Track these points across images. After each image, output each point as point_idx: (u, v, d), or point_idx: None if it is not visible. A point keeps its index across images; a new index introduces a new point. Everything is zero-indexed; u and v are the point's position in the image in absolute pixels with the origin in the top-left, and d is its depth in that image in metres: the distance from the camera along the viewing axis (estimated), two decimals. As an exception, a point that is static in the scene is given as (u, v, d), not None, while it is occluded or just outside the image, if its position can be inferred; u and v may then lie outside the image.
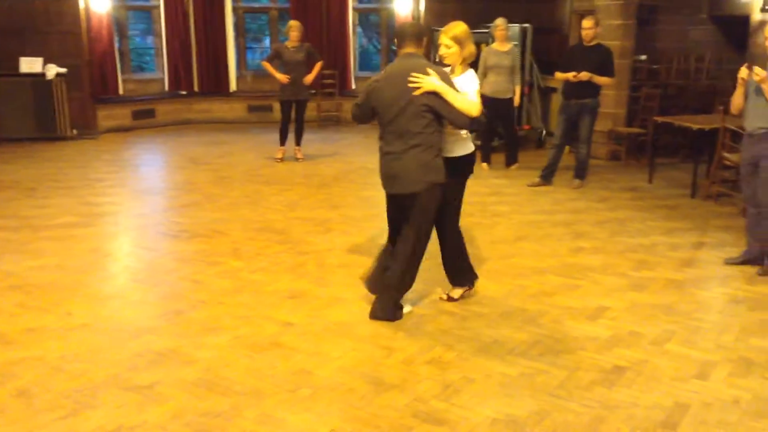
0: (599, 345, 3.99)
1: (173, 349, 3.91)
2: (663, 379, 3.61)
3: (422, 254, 4.32)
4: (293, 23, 8.74)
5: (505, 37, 8.41)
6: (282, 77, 8.63)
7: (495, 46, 8.43)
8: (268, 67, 8.77)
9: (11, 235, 6.00)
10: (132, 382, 3.56)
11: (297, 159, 9.17)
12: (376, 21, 13.88)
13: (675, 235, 6.08)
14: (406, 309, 4.47)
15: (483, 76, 8.40)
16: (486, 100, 8.44)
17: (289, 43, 8.70)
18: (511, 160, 8.79)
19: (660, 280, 5.03)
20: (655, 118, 8.04)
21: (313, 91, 11.60)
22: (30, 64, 10.22)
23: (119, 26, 11.59)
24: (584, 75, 7.26)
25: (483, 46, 8.54)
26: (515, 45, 8.76)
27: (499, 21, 8.42)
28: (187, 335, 4.10)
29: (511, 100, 8.51)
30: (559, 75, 7.62)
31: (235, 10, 12.28)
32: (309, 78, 8.76)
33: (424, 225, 4.20)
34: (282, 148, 9.15)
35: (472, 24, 10.07)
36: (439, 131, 4.08)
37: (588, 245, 5.79)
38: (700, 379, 3.62)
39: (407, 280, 4.34)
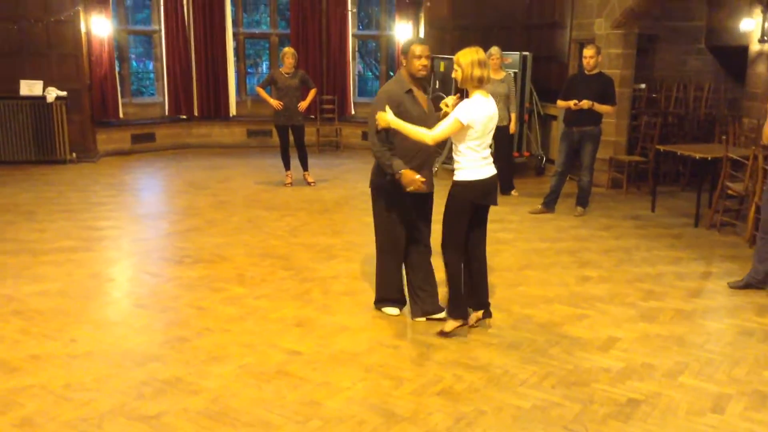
0: (612, 377, 3.94)
1: (179, 378, 3.84)
2: (679, 413, 3.56)
3: (385, 253, 4.72)
4: (288, 50, 8.83)
5: (498, 66, 8.48)
6: (275, 103, 8.70)
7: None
8: (262, 92, 8.89)
9: (10, 259, 5.93)
10: (138, 411, 3.49)
11: (309, 183, 9.18)
12: (373, 48, 13.97)
13: (681, 264, 6.06)
14: (391, 311, 4.81)
15: None
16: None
17: (283, 70, 8.78)
18: (507, 188, 8.79)
19: (669, 310, 4.99)
20: (657, 146, 8.07)
21: (312, 117, 11.64)
22: (30, 87, 10.21)
23: (120, 50, 11.61)
24: (585, 103, 7.29)
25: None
26: (510, 73, 8.82)
27: (494, 50, 8.48)
28: (192, 363, 4.04)
29: (507, 127, 8.55)
30: (560, 103, 7.66)
31: (235, 35, 12.34)
32: (303, 105, 8.83)
33: (376, 219, 4.76)
34: (288, 172, 9.16)
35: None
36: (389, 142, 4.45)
37: (594, 274, 5.76)
38: (716, 413, 3.57)
39: (378, 270, 4.82)
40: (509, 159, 8.97)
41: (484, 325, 4.63)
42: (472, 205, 4.35)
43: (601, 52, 7.59)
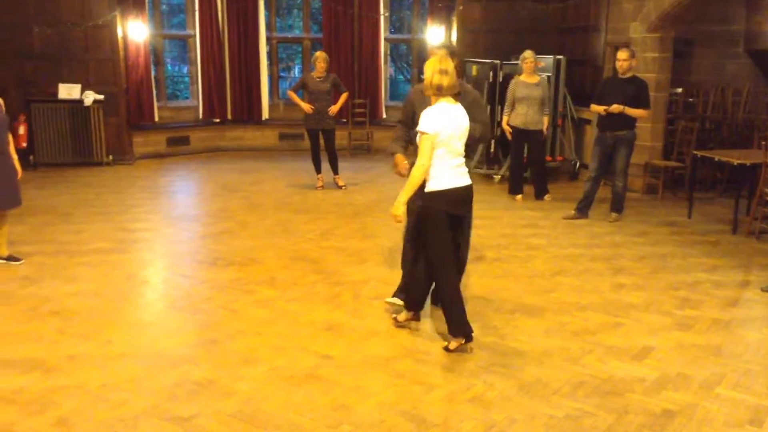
0: (647, 387, 3.88)
1: (212, 380, 3.88)
2: (715, 425, 3.49)
3: (407, 248, 4.88)
4: (319, 54, 8.87)
5: (532, 70, 8.44)
6: (306, 107, 8.75)
7: (523, 78, 8.46)
8: (293, 96, 8.98)
9: (48, 259, 6.05)
10: (172, 412, 3.53)
11: (340, 187, 9.22)
12: (405, 51, 13.96)
13: (718, 272, 5.94)
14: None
15: (511, 108, 8.51)
16: (516, 131, 8.50)
17: (315, 74, 8.82)
18: (541, 192, 8.72)
19: (705, 319, 4.90)
20: (694, 151, 7.93)
21: (344, 120, 11.69)
22: (68, 91, 10.41)
23: (156, 54, 11.79)
24: (615, 108, 7.20)
25: (517, 77, 8.58)
26: (545, 77, 8.76)
27: (528, 53, 8.46)
28: (225, 366, 4.07)
29: (541, 131, 8.51)
30: (594, 107, 7.57)
31: (269, 39, 12.44)
32: (334, 109, 8.86)
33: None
34: (320, 175, 9.22)
35: (504, 56, 10.13)
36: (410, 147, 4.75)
37: (629, 281, 5.68)
38: (755, 425, 3.49)
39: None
40: (542, 164, 8.92)
41: (412, 326, 4.69)
42: (445, 216, 4.24)
43: (635, 56, 7.49)
